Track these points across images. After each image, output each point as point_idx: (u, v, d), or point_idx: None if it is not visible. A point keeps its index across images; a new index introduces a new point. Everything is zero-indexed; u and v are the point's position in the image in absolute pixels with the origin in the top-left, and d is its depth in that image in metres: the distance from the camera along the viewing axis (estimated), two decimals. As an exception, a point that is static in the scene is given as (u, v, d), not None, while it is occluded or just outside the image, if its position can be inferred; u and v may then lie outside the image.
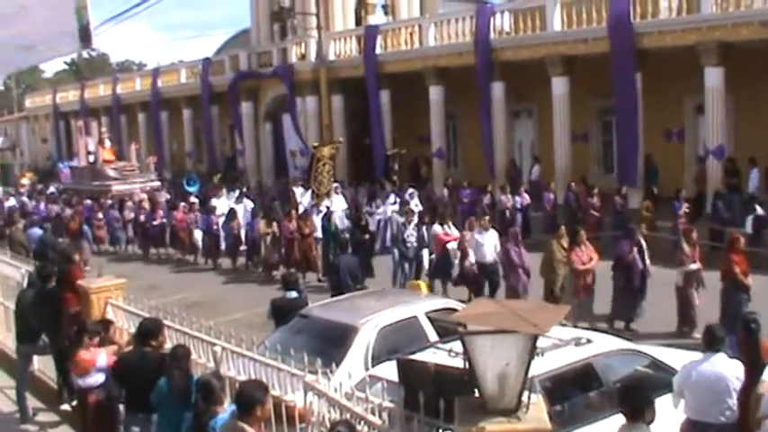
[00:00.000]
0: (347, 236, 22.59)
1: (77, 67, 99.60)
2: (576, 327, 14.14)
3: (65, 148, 62.38)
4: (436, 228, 20.53)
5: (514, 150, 34.31)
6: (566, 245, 16.76)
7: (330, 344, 10.62)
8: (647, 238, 18.14)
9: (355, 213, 24.77)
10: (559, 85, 29.40)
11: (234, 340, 8.54)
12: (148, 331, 9.07)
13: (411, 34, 35.58)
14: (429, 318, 11.46)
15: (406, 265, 20.20)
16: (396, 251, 20.58)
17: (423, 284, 16.89)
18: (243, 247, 25.55)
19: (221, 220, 26.13)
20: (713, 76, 25.25)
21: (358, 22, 41.17)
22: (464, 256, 18.80)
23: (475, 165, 33.78)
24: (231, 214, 26.02)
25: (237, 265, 25.44)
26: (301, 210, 26.18)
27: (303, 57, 39.68)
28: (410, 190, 28.68)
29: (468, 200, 28.44)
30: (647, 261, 16.24)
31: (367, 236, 22.37)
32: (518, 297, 16.49)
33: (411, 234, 20.36)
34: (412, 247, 20.31)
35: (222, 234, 25.92)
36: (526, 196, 27.12)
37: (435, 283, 19.85)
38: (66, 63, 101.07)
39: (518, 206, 26.84)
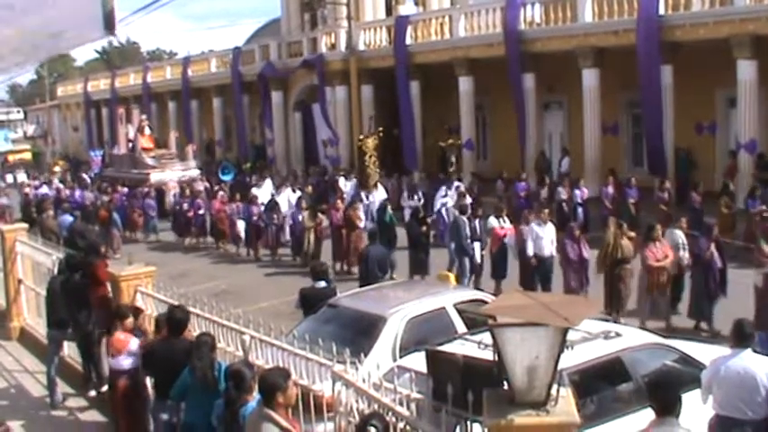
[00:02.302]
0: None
1: (108, 55, 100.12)
2: (643, 327, 14.04)
3: (96, 136, 62.83)
4: (492, 221, 19.43)
5: (544, 142, 34.17)
6: (625, 238, 16.16)
7: (358, 334, 10.64)
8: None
9: (413, 205, 24.11)
10: (590, 77, 29.30)
11: (262, 329, 8.57)
12: (175, 320, 9.12)
13: (441, 25, 35.52)
14: (457, 309, 11.45)
15: (466, 260, 19.16)
16: (452, 245, 19.54)
17: (451, 276, 16.79)
18: (287, 239, 25.28)
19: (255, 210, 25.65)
20: (746, 70, 25.08)
21: (388, 12, 41.10)
22: (522, 249, 18.22)
23: (504, 156, 33.67)
24: (271, 204, 25.60)
25: (279, 257, 24.99)
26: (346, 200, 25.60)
27: (333, 47, 39.69)
28: (457, 183, 27.22)
29: (524, 193, 27.46)
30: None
31: (425, 228, 21.22)
32: (575, 294, 15.98)
33: (468, 228, 19.27)
34: (468, 244, 19.20)
35: (263, 224, 25.28)
36: (585, 190, 25.99)
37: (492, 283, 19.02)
38: (97, 52, 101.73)
39: (577, 200, 25.72)
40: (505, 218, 19.55)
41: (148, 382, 9.83)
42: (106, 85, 61.57)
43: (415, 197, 26.72)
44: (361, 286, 15.64)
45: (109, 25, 6.60)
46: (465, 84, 34.07)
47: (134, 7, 17.05)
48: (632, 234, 16.72)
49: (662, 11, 26.55)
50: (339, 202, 24.03)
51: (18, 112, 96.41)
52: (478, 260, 19.46)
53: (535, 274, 17.97)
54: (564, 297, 8.76)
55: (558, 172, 31.52)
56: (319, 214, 23.50)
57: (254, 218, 25.29)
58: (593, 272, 16.83)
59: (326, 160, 39.63)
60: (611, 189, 25.32)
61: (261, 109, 45.46)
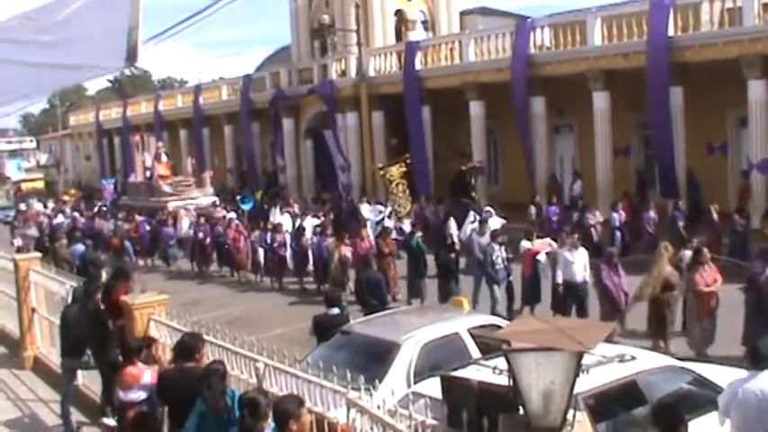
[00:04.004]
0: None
1: (120, 84, 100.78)
2: (699, 354, 13.94)
3: (108, 164, 63.14)
4: (524, 243, 19.20)
5: (556, 165, 34.16)
6: (670, 264, 15.88)
7: (372, 360, 10.61)
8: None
9: (440, 232, 23.57)
10: (600, 100, 29.31)
11: (276, 356, 8.55)
12: (188, 347, 9.10)
13: (451, 50, 35.66)
14: (471, 334, 11.42)
15: (496, 289, 18.53)
16: (478, 272, 19.29)
17: (465, 301, 16.74)
18: (310, 267, 24.38)
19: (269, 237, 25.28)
20: (756, 89, 25.09)
21: (398, 38, 41.26)
22: (552, 276, 17.83)
23: (516, 180, 33.66)
24: (299, 232, 25.13)
25: (303, 285, 24.34)
26: (369, 227, 25.32)
27: (343, 73, 39.86)
28: (487, 208, 26.15)
29: (556, 217, 27.14)
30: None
31: (453, 255, 20.91)
32: (612, 321, 15.72)
33: (498, 255, 18.77)
34: (501, 269, 18.70)
35: (289, 252, 24.73)
36: (622, 213, 25.54)
37: (524, 309, 18.63)
38: (108, 81, 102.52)
39: (615, 223, 25.34)
40: (537, 241, 19.23)
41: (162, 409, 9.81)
42: (118, 113, 61.98)
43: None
44: (366, 314, 15.58)
45: (131, 57, 6.73)
46: (476, 108, 34.12)
47: (145, 37, 17.13)
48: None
49: (671, 32, 26.58)
50: (363, 230, 23.49)
51: (31, 141, 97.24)
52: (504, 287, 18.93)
53: (568, 300, 17.42)
54: (578, 321, 8.74)
55: (569, 195, 31.47)
56: (342, 246, 22.60)
57: (277, 245, 24.77)
58: (632, 298, 16.43)
59: (341, 187, 39.70)
60: (652, 213, 24.81)
61: (272, 136, 45.60)
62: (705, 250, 15.68)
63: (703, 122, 27.89)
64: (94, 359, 12.44)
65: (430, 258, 21.20)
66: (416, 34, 41.34)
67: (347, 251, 22.37)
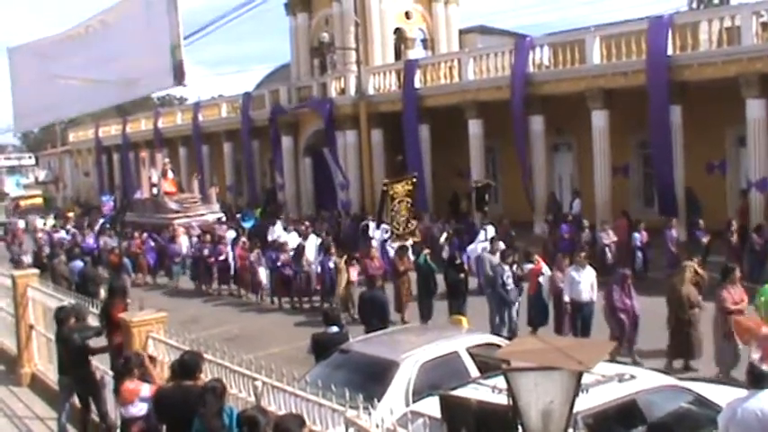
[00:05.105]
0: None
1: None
2: (727, 376, 13.88)
3: (107, 181, 63.20)
4: (529, 265, 18.92)
5: (554, 184, 34.19)
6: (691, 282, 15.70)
7: (371, 379, 10.58)
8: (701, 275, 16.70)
9: (450, 251, 23.05)
10: (599, 119, 29.36)
11: (275, 375, 8.53)
12: (189, 365, 9.08)
13: (450, 68, 35.74)
14: (470, 353, 11.39)
15: (506, 310, 18.27)
16: (489, 291, 18.86)
17: (464, 320, 16.69)
18: (314, 287, 24.09)
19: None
20: (755, 108, 25.15)
21: (397, 56, 41.34)
22: (557, 295, 17.61)
23: (515, 199, 33.67)
24: (300, 251, 24.78)
25: (307, 305, 24.05)
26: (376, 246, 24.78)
27: (343, 91, 39.92)
28: (488, 226, 25.88)
29: (568, 235, 26.34)
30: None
31: (462, 275, 20.28)
32: (620, 343, 15.67)
33: (509, 275, 18.35)
34: (512, 290, 18.32)
35: (292, 272, 24.27)
36: (644, 233, 24.77)
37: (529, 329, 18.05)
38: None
39: (637, 243, 24.74)
40: (538, 261, 18.93)
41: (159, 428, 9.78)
42: (117, 130, 62.12)
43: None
44: (366, 332, 15.56)
45: (179, 75, 6.84)
46: (475, 127, 34.18)
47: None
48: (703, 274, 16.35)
49: (670, 51, 26.66)
50: (373, 250, 22.92)
51: (30, 157, 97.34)
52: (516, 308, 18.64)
53: (573, 320, 17.22)
54: (578, 341, 8.72)
55: (568, 214, 31.45)
56: (350, 268, 22.33)
57: (281, 265, 24.41)
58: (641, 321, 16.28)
59: (341, 204, 39.70)
60: (674, 232, 24.40)
61: (271, 154, 45.65)
62: (736, 268, 15.52)
63: (702, 141, 27.94)
64: (74, 383, 12.48)
65: (439, 277, 20.87)
66: (416, 53, 41.42)
67: (354, 272, 22.11)
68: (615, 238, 25.15)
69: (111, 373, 11.81)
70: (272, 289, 25.19)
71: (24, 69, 11.42)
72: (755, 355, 7.30)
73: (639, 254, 24.66)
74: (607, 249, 24.86)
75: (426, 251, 21.80)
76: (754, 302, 14.73)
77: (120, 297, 13.09)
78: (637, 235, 24.78)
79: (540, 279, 18.26)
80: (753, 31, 24.99)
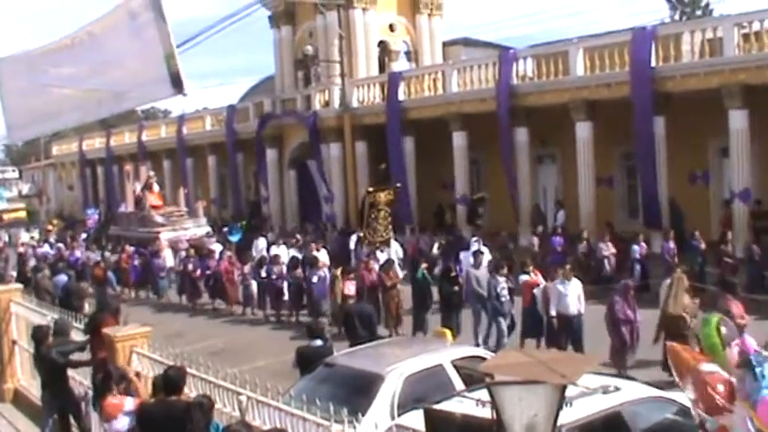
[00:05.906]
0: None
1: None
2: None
3: (91, 195, 62.99)
4: (523, 276, 18.75)
5: (539, 195, 34.26)
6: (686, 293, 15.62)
7: (356, 392, 10.55)
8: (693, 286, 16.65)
9: (444, 264, 22.42)
10: (583, 130, 29.44)
11: (259, 389, 8.49)
12: (173, 381, 9.03)
13: (434, 81, 35.82)
14: (455, 366, 11.38)
15: (501, 321, 18.32)
16: (478, 305, 18.96)
17: (448, 333, 16.67)
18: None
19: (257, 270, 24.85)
20: (737, 119, 25.28)
21: (381, 68, 41.41)
22: (545, 309, 17.56)
23: (500, 210, 33.68)
24: (293, 264, 24.53)
25: (296, 319, 23.77)
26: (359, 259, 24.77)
27: (327, 104, 39.94)
28: (475, 238, 25.85)
29: (560, 248, 26.36)
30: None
31: (456, 287, 20.12)
32: (621, 356, 15.81)
33: (504, 287, 18.53)
34: (506, 302, 18.52)
35: (285, 285, 24.02)
36: (644, 245, 24.80)
37: (525, 342, 18.03)
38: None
39: (636, 255, 24.50)
40: (533, 273, 18.85)
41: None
42: (101, 143, 61.96)
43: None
44: (350, 345, 15.49)
45: (177, 85, 6.82)
46: (459, 139, 34.24)
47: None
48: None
49: (653, 63, 26.78)
50: (371, 262, 22.75)
51: (13, 170, 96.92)
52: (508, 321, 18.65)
53: (563, 334, 17.14)
54: (562, 354, 8.71)
55: (552, 225, 31.49)
56: (346, 281, 21.95)
57: (275, 277, 24.26)
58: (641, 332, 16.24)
59: (326, 217, 39.65)
60: (671, 244, 24.08)
61: (256, 166, 45.60)
62: (737, 283, 15.49)
63: (685, 152, 28.05)
64: (51, 401, 12.44)
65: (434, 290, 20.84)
66: (399, 65, 41.48)
67: (350, 286, 21.77)
68: (614, 250, 25.17)
69: (91, 387, 11.76)
70: (260, 302, 24.99)
71: (14, 80, 11.33)
72: (690, 396, 7.18)
73: (638, 266, 24.42)
74: (606, 261, 24.93)
75: (424, 265, 21.62)
76: (695, 332, 14.72)
77: (111, 314, 13.02)
78: (636, 247, 24.71)
79: (535, 291, 18.18)
80: (735, 42, 25.15)
